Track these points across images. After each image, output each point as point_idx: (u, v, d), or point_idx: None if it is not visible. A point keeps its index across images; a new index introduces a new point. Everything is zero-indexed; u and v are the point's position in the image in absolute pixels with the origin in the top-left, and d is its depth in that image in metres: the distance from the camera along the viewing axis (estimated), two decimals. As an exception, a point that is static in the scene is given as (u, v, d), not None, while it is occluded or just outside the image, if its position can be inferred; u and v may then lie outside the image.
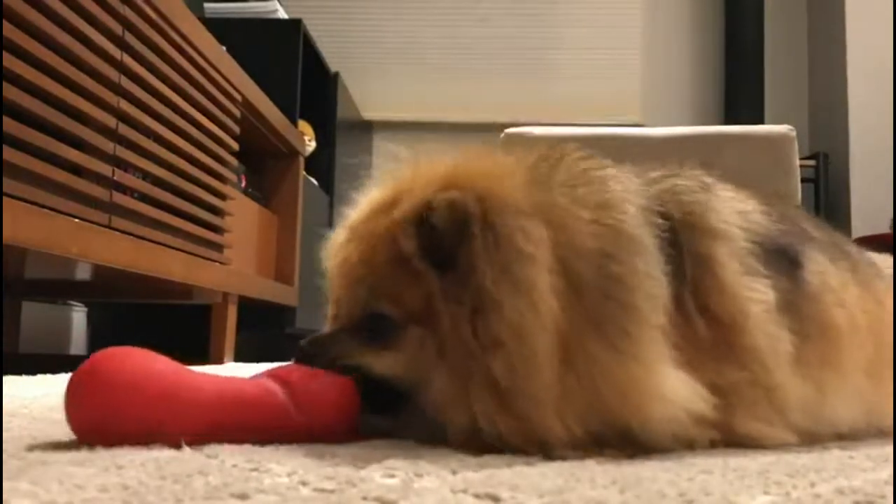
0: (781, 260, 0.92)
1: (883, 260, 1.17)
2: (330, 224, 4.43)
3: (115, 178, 1.82)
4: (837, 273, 0.99)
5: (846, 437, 0.93)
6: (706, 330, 0.84)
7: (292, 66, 3.48)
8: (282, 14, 3.77)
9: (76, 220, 1.65)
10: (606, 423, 0.77)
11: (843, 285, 0.98)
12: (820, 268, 0.96)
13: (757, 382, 0.84)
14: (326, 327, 0.93)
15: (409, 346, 0.82)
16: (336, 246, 0.91)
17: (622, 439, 0.77)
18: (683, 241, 0.87)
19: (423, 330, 0.80)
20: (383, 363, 0.83)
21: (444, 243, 0.79)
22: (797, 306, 0.90)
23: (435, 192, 0.81)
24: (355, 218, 0.90)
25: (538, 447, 0.75)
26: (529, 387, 0.75)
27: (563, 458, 0.73)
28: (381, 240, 0.83)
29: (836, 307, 0.95)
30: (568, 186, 0.83)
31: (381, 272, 0.83)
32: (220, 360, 2.61)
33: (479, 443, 0.75)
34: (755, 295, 0.87)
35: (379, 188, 0.90)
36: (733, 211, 0.93)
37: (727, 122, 4.93)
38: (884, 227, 4.22)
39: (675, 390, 0.78)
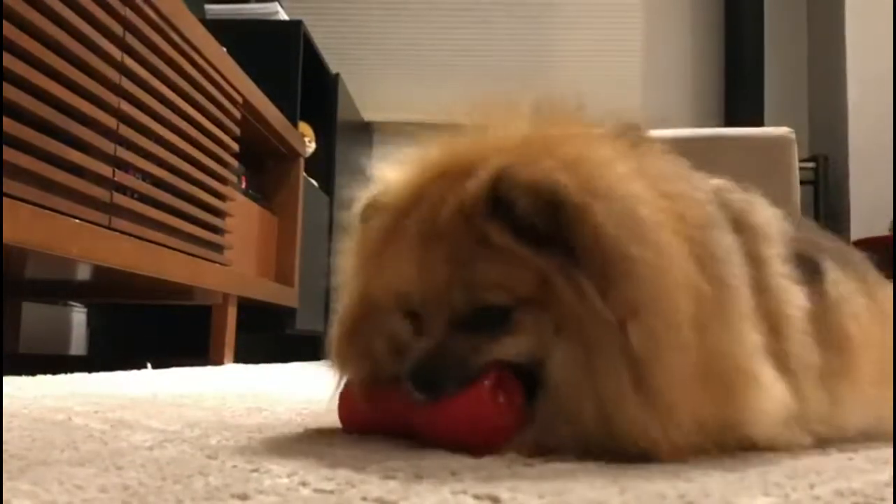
0: (807, 268, 0.91)
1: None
2: (330, 225, 4.40)
3: (115, 178, 1.82)
4: (848, 283, 0.98)
5: (849, 439, 0.93)
6: None
7: (293, 67, 3.48)
8: (282, 15, 3.77)
9: (76, 220, 1.65)
10: (717, 412, 0.74)
11: (855, 296, 0.98)
12: (835, 277, 0.96)
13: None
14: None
15: (524, 329, 0.76)
16: (380, 230, 0.81)
17: (725, 433, 0.76)
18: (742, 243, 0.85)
19: (534, 310, 0.75)
20: (501, 349, 0.77)
21: (539, 222, 0.73)
22: (821, 316, 0.89)
23: (513, 163, 0.74)
24: (411, 186, 0.80)
25: (658, 440, 0.71)
26: (667, 356, 0.72)
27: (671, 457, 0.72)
28: (466, 228, 0.75)
29: (851, 318, 0.94)
30: (657, 175, 0.80)
31: (479, 264, 0.75)
32: (219, 362, 2.61)
33: (607, 433, 0.72)
34: (795, 300, 0.85)
35: (432, 151, 0.82)
36: (771, 213, 0.93)
37: (727, 124, 4.94)
38: (883, 230, 4.21)
39: (774, 384, 0.78)
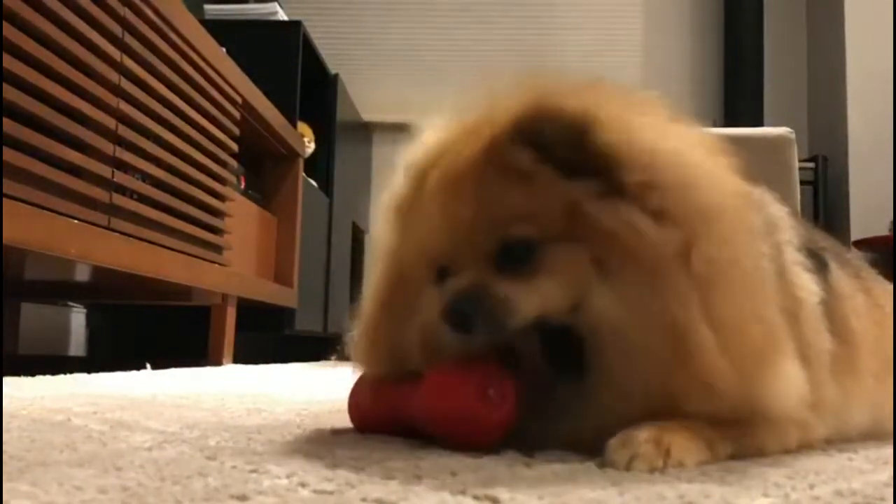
0: (814, 260, 0.91)
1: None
2: (329, 226, 4.40)
3: (114, 179, 1.82)
4: (847, 280, 0.99)
5: (850, 439, 0.93)
6: None
7: (292, 67, 3.48)
8: (282, 16, 3.77)
9: (76, 221, 1.65)
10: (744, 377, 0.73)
11: (855, 292, 0.99)
12: (837, 273, 0.97)
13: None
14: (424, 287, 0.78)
15: (556, 269, 0.72)
16: (411, 189, 0.78)
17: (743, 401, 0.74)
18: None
19: (565, 248, 0.71)
20: (531, 299, 0.72)
21: (568, 149, 0.71)
22: (828, 308, 0.89)
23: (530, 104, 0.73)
24: (432, 152, 0.78)
25: (725, 372, 0.69)
26: (731, 280, 0.70)
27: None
28: (488, 161, 0.73)
29: (853, 312, 0.95)
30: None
31: (504, 197, 0.72)
32: (219, 362, 2.61)
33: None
34: (808, 286, 0.85)
35: (450, 122, 0.81)
36: (780, 207, 0.93)
37: (727, 124, 4.93)
38: (882, 230, 4.21)
39: (793, 362, 0.77)
